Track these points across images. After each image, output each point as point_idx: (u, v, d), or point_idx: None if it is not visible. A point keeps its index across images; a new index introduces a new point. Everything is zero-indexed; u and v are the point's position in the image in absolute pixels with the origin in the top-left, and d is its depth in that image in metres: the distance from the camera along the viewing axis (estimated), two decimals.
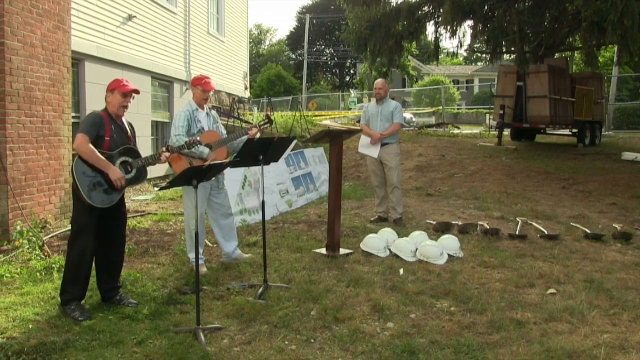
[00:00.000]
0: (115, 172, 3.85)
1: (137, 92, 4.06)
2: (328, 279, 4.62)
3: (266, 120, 5.18)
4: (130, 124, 4.17)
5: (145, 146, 10.34)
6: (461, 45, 14.57)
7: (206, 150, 4.80)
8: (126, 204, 8.19)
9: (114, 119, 3.99)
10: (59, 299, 4.01)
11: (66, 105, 6.74)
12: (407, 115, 23.51)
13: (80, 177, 3.77)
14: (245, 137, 4.87)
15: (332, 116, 23.89)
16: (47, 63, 6.35)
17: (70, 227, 4.12)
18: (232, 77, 17.13)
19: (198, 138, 4.48)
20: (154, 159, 4.08)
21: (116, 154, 3.92)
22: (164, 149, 4.20)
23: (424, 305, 4.02)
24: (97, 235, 3.96)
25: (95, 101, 8.86)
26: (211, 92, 5.05)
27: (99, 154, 3.80)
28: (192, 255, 4.90)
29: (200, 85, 4.91)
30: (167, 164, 4.52)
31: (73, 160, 3.85)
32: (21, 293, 4.26)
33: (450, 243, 5.44)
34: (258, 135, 4.91)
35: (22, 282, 4.55)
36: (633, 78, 27.35)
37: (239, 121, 13.21)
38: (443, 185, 9.81)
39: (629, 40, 9.43)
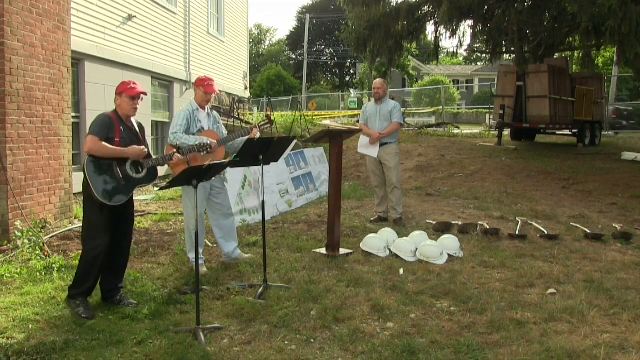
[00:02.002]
0: (134, 150, 3.93)
1: (145, 94, 4.10)
2: (328, 279, 4.62)
3: (266, 121, 5.19)
4: (139, 124, 4.21)
5: (148, 145, 10.34)
6: (461, 45, 14.61)
7: (204, 139, 4.77)
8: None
9: (124, 120, 4.04)
10: (59, 297, 4.03)
11: (66, 105, 6.74)
12: None
13: (92, 176, 3.81)
14: (243, 138, 4.88)
15: (332, 116, 23.90)
16: (47, 63, 6.35)
17: (75, 226, 4.14)
18: (232, 77, 17.14)
19: (209, 142, 4.53)
20: (165, 160, 4.19)
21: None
22: (174, 150, 4.29)
23: (424, 305, 4.02)
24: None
25: (95, 101, 8.87)
26: (213, 95, 5.06)
27: (111, 146, 3.86)
28: (192, 255, 4.90)
29: (203, 86, 4.92)
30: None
31: (83, 161, 3.89)
32: (21, 293, 4.26)
33: (450, 243, 5.44)
34: (258, 135, 4.91)
35: (22, 282, 4.55)
36: (633, 78, 27.32)
37: (239, 121, 13.22)
38: (443, 185, 9.81)
39: (625, 46, 9.45)
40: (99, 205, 3.84)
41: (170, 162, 4.23)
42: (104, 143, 3.84)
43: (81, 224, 4.15)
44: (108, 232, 3.93)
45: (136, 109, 4.07)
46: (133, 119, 4.15)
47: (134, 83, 4.08)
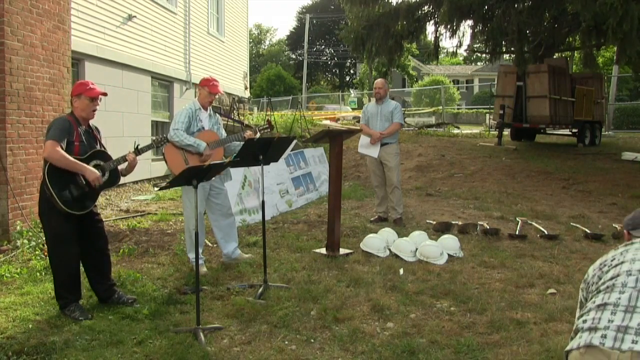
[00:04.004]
0: (92, 173, 3.78)
1: (105, 94, 3.97)
2: (328, 279, 4.62)
3: (266, 126, 5.19)
4: (95, 127, 4.06)
5: (105, 147, 10.33)
6: (461, 45, 14.65)
7: (203, 144, 4.81)
8: (125, 204, 8.18)
9: (81, 122, 3.88)
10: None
11: (66, 105, 6.74)
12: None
13: (55, 187, 3.67)
14: (240, 143, 4.88)
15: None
16: (47, 63, 6.36)
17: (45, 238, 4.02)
18: (232, 77, 17.14)
19: (165, 136, 4.49)
20: (122, 161, 4.00)
21: (87, 159, 3.84)
22: (130, 150, 4.09)
23: (424, 305, 4.02)
24: (79, 241, 3.90)
25: None
26: (217, 96, 5.09)
27: (71, 158, 3.71)
28: (192, 255, 4.90)
29: (207, 86, 4.95)
30: (164, 163, 4.51)
31: (44, 170, 3.73)
32: (21, 293, 4.26)
33: (450, 243, 5.44)
34: (257, 135, 4.92)
35: (22, 282, 4.55)
36: (633, 78, 27.31)
37: (238, 124, 13.20)
38: (443, 185, 9.81)
39: (626, 44, 9.45)
40: (65, 214, 3.72)
41: (126, 161, 4.03)
42: (63, 153, 3.66)
43: (45, 237, 3.94)
44: (76, 240, 3.85)
45: (95, 111, 3.90)
46: (90, 121, 3.98)
47: (92, 83, 3.92)
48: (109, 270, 4.17)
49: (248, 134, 4.94)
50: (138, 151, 4.11)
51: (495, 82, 16.85)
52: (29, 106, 6.02)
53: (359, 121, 9.41)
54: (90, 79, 8.85)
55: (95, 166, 3.86)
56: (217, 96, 5.25)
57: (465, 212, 7.51)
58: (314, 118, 18.24)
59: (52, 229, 3.83)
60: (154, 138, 4.39)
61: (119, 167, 4.06)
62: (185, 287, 4.42)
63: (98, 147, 3.97)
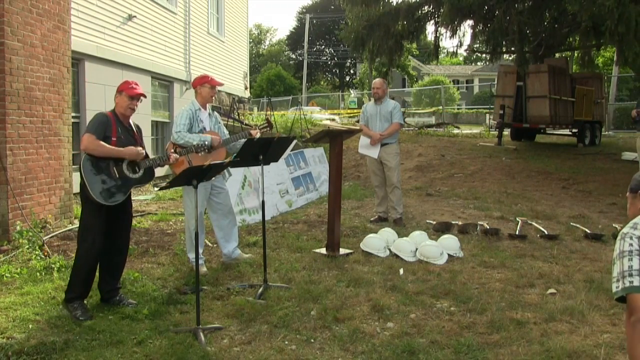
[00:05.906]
0: (131, 151, 3.91)
1: (144, 96, 4.10)
2: (328, 279, 4.62)
3: (266, 124, 5.20)
4: (137, 125, 4.20)
5: (145, 146, 10.33)
6: (461, 45, 14.66)
7: (207, 137, 4.81)
8: None
9: (121, 120, 4.03)
10: (59, 297, 4.03)
11: (66, 105, 6.74)
12: None
13: (89, 176, 3.79)
14: (244, 140, 4.89)
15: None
16: (47, 63, 6.35)
17: (75, 226, 4.14)
18: (232, 77, 17.13)
19: (207, 142, 4.56)
20: (162, 160, 4.16)
21: None
22: (172, 150, 4.25)
23: (424, 305, 4.02)
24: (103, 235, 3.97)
25: (95, 101, 8.86)
26: (218, 88, 5.10)
27: (108, 145, 3.84)
28: (192, 255, 4.90)
29: (207, 82, 4.95)
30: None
31: (81, 160, 3.86)
32: (21, 293, 4.26)
33: (450, 243, 5.44)
34: (258, 135, 4.92)
35: (22, 282, 4.55)
36: (633, 78, 27.30)
37: (239, 123, 13.22)
38: (443, 185, 9.80)
39: (624, 46, 9.46)
40: (97, 206, 3.82)
41: (167, 162, 4.20)
42: (99, 141, 3.81)
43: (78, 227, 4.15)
44: (103, 234, 3.90)
45: (133, 109, 4.06)
46: (131, 120, 4.13)
47: (136, 84, 4.08)
48: (120, 272, 4.21)
49: (254, 132, 4.95)
50: (178, 153, 4.29)
51: (495, 82, 16.85)
52: (29, 106, 6.01)
53: (358, 121, 9.41)
54: (90, 79, 8.91)
55: (130, 163, 3.97)
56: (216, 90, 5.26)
57: (465, 212, 7.51)
58: (313, 119, 18.24)
59: (84, 218, 3.96)
60: (195, 143, 4.52)
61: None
62: (185, 287, 4.42)
63: (136, 145, 4.07)
